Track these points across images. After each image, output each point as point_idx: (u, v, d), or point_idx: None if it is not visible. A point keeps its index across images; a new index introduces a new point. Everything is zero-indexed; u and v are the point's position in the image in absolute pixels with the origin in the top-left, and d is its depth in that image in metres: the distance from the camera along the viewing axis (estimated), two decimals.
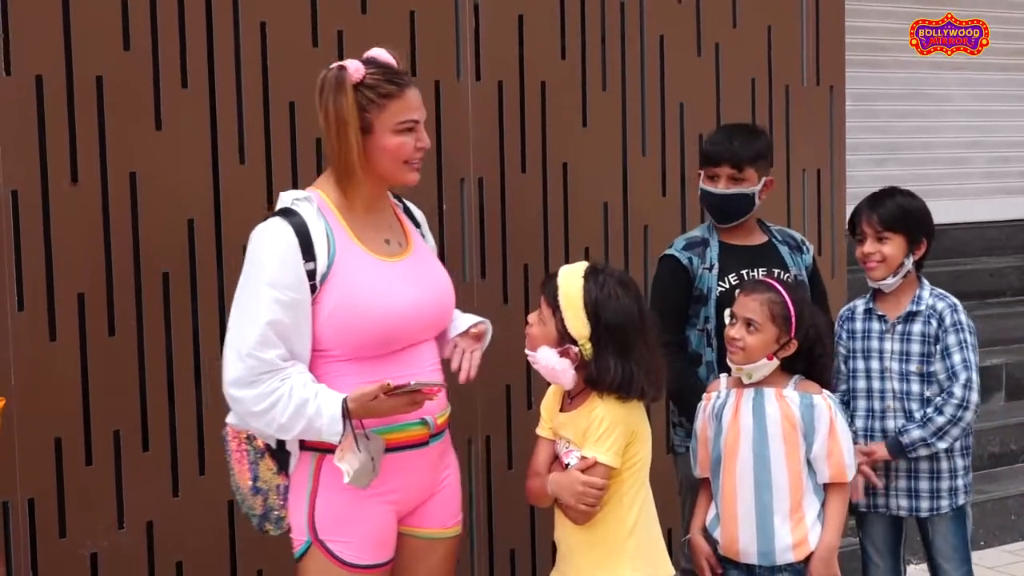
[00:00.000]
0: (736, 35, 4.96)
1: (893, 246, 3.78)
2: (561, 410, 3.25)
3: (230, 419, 3.02)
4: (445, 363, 3.23)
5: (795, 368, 3.49)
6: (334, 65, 2.99)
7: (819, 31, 5.16)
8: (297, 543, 3.00)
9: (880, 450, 3.77)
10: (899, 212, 3.80)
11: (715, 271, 3.82)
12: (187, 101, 3.91)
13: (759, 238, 3.95)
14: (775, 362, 3.44)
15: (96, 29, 3.78)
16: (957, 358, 3.73)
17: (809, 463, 3.44)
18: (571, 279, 3.16)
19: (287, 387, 2.84)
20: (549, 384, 3.30)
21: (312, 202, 2.97)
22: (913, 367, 3.79)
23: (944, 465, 3.80)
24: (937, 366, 3.75)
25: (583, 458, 3.14)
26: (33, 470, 3.74)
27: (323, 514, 2.95)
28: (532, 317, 3.23)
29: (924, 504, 3.81)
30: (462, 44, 4.37)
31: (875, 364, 3.85)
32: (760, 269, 3.83)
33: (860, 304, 3.94)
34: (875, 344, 3.86)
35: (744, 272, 3.82)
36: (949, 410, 3.69)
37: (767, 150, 3.90)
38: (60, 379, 3.77)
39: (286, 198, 3.00)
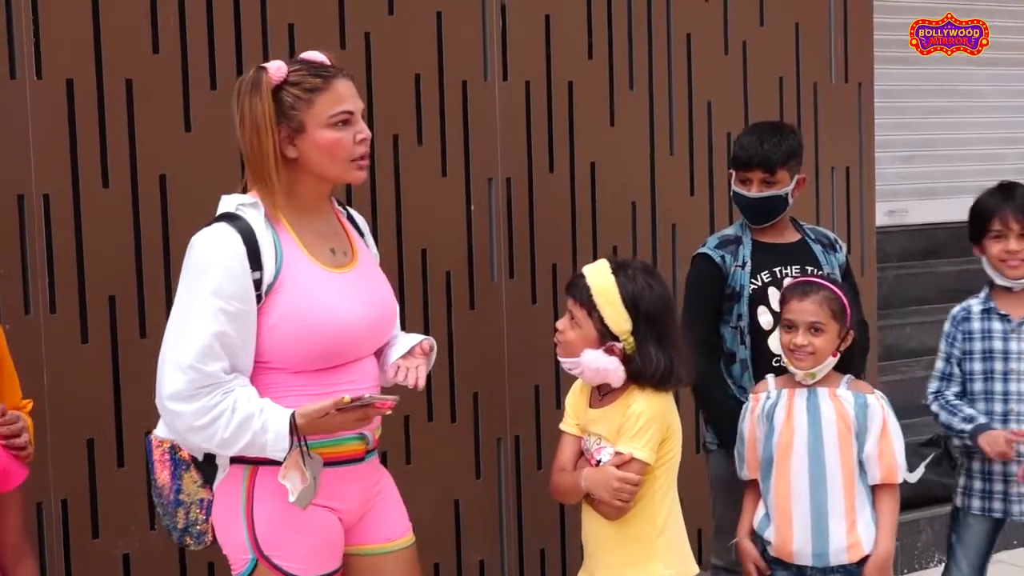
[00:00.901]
0: (763, 33, 4.95)
1: None
2: (590, 406, 3.25)
3: (160, 432, 2.88)
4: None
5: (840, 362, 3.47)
6: (255, 67, 2.85)
7: (847, 28, 5.14)
8: (240, 562, 2.83)
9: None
10: None
11: (748, 268, 3.81)
12: (216, 103, 3.92)
13: (792, 236, 3.93)
14: (836, 357, 3.43)
15: (125, 32, 3.80)
16: None
17: (860, 464, 3.41)
18: (601, 276, 3.15)
19: (230, 401, 2.69)
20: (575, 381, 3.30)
21: (259, 208, 2.81)
22: None
23: None
24: None
25: (618, 453, 3.13)
26: (66, 471, 3.77)
27: (264, 529, 2.80)
28: (562, 323, 3.20)
29: (1015, 509, 3.76)
30: (489, 44, 4.37)
31: (998, 366, 3.77)
32: (793, 267, 3.82)
33: (976, 304, 3.84)
34: (998, 345, 3.77)
35: (777, 270, 3.81)
36: None
37: (798, 148, 3.88)
38: (92, 381, 3.80)
39: (229, 202, 2.84)
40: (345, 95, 2.83)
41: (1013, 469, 3.74)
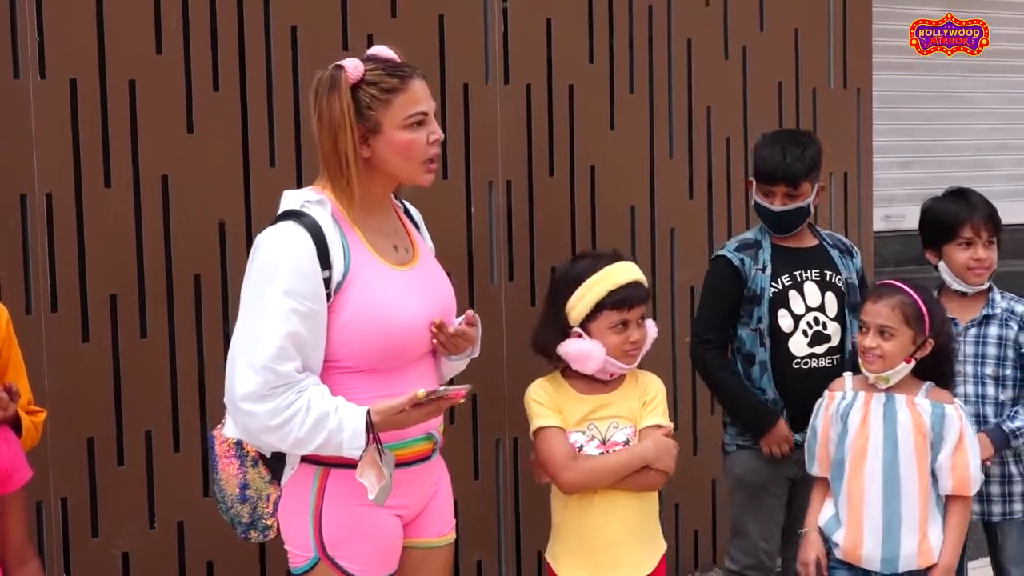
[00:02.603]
0: (763, 38, 4.97)
1: (995, 251, 3.78)
2: (587, 394, 3.32)
3: (229, 432, 2.87)
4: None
5: (922, 370, 3.45)
6: (332, 65, 2.82)
7: (846, 34, 5.16)
8: (300, 559, 2.84)
9: (984, 442, 3.65)
10: (999, 218, 3.80)
11: (768, 272, 3.83)
12: (219, 104, 3.94)
13: (810, 241, 3.96)
14: (911, 364, 3.41)
15: (129, 33, 3.81)
16: None
17: (933, 473, 3.41)
18: None
19: (304, 400, 2.69)
20: None
21: (325, 206, 2.80)
22: (989, 370, 3.75)
23: (1015, 470, 3.77)
24: None
25: (656, 426, 3.32)
26: (66, 470, 3.78)
27: (332, 530, 2.81)
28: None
29: (996, 508, 3.78)
30: (491, 47, 4.39)
31: None
32: (813, 271, 3.85)
33: None
34: None
35: (797, 274, 3.84)
36: None
37: (819, 157, 3.89)
38: (92, 380, 3.81)
39: (294, 199, 2.82)
40: (421, 96, 2.83)
41: None
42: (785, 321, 3.78)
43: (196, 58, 3.91)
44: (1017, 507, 3.78)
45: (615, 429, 3.29)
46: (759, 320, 3.82)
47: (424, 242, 3.08)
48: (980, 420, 3.75)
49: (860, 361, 3.45)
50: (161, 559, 3.93)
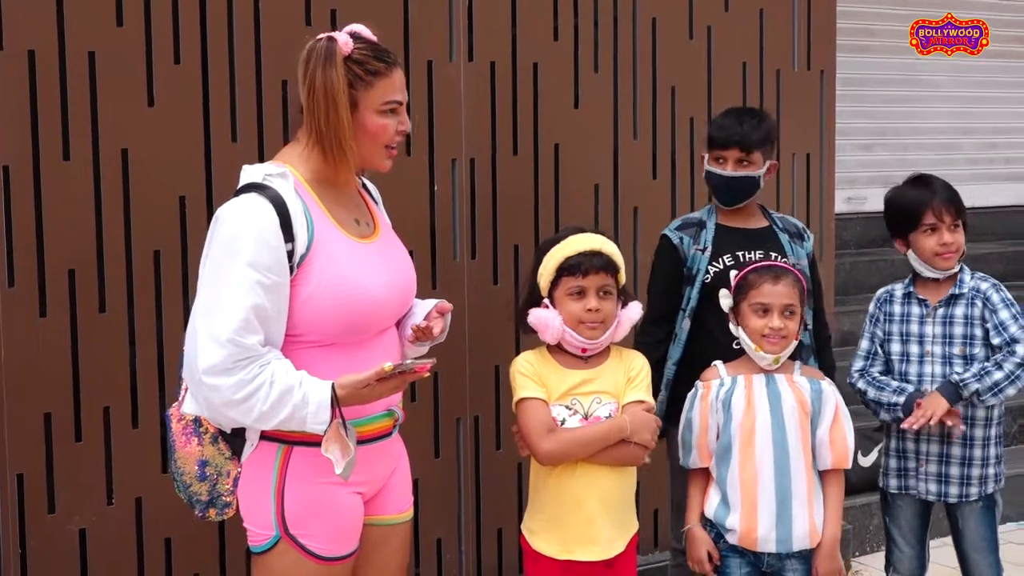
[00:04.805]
0: (728, 19, 4.97)
1: (961, 234, 3.81)
2: (570, 368, 3.35)
3: (189, 408, 2.85)
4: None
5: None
6: (322, 36, 2.82)
7: (810, 16, 5.17)
8: (261, 537, 2.84)
9: (937, 400, 3.69)
10: (961, 201, 3.83)
11: (707, 253, 3.84)
12: (180, 78, 3.90)
13: (759, 222, 3.96)
14: (797, 342, 3.48)
15: (89, 4, 3.76)
16: (1014, 328, 3.73)
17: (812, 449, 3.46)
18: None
19: (268, 373, 2.68)
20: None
21: (287, 178, 2.80)
22: (956, 350, 3.78)
23: (977, 453, 3.80)
24: (995, 341, 3.74)
25: (639, 402, 3.35)
26: (22, 446, 3.75)
27: (293, 508, 2.81)
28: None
29: (953, 490, 3.81)
30: (455, 24, 4.37)
31: (914, 348, 3.84)
32: (756, 251, 3.84)
33: (898, 288, 3.92)
34: (915, 328, 3.84)
35: (740, 253, 3.84)
36: (1008, 366, 3.68)
37: (773, 134, 3.95)
38: (50, 355, 3.77)
39: (255, 172, 2.81)
40: (399, 85, 2.89)
41: (922, 448, 3.81)
42: (726, 301, 3.76)
43: (157, 30, 3.86)
44: (974, 490, 3.80)
45: (598, 404, 3.32)
46: (688, 301, 3.83)
47: (383, 216, 3.10)
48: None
49: (754, 345, 3.44)
50: (119, 535, 3.91)
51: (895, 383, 3.83)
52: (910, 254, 3.85)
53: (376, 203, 3.11)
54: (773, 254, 3.82)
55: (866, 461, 4.14)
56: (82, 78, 3.77)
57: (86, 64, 3.77)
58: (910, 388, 3.79)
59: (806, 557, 3.44)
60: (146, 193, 3.88)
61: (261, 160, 3.95)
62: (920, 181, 3.91)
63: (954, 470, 3.80)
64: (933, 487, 3.82)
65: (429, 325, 3.01)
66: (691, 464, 3.55)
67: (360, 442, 2.79)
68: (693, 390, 3.57)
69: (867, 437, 4.99)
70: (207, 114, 3.96)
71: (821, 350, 3.98)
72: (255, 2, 4.01)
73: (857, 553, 5.32)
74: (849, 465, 3.48)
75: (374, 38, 2.90)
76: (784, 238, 3.94)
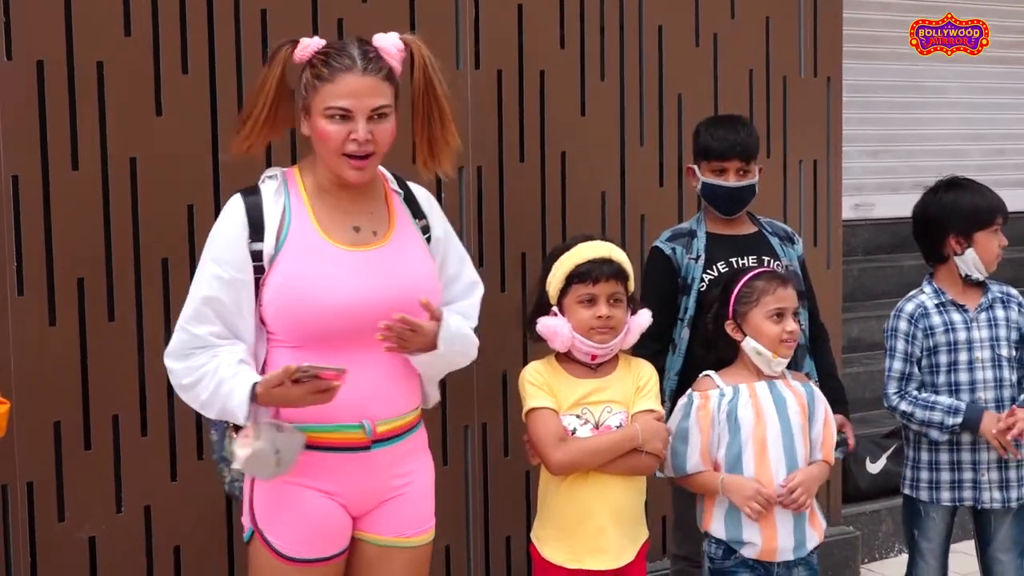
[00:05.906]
0: (734, 26, 4.97)
1: None
2: (580, 378, 3.35)
3: None
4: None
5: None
6: (287, 40, 2.94)
7: (817, 23, 5.17)
8: (245, 527, 2.95)
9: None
10: None
11: (701, 262, 3.84)
12: (188, 87, 3.92)
13: (748, 228, 3.98)
14: None
15: (97, 14, 3.78)
16: None
17: None
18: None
19: (213, 365, 2.77)
20: None
21: (276, 179, 2.92)
22: (1004, 351, 3.79)
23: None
24: None
25: (650, 411, 3.34)
26: (32, 454, 3.76)
27: (260, 503, 2.88)
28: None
29: (1013, 494, 3.79)
30: (462, 32, 4.38)
31: (963, 356, 3.81)
32: (750, 257, 3.85)
33: (927, 300, 3.86)
34: (961, 336, 3.81)
35: (733, 260, 3.84)
36: None
37: (758, 139, 4.00)
38: (59, 363, 3.78)
39: (264, 175, 2.98)
40: (344, 92, 2.82)
41: (981, 457, 3.79)
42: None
43: (165, 40, 3.88)
44: (1014, 493, 3.79)
45: (608, 413, 3.32)
46: (685, 310, 3.82)
47: (409, 225, 3.02)
48: (999, 405, 3.76)
49: (772, 351, 3.41)
50: (128, 544, 3.91)
51: (945, 400, 3.78)
52: (967, 256, 3.81)
53: (422, 215, 3.07)
54: (767, 259, 3.83)
55: (874, 468, 4.15)
56: (90, 87, 3.78)
57: (94, 73, 3.79)
58: (962, 404, 3.76)
59: (812, 564, 3.44)
60: (154, 202, 3.89)
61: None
62: (974, 184, 3.92)
63: (1012, 473, 3.80)
64: (997, 494, 3.80)
65: (403, 316, 2.87)
66: (691, 469, 3.46)
67: (328, 449, 2.83)
68: (686, 400, 3.50)
69: (875, 444, 4.99)
70: (215, 123, 3.97)
71: (820, 351, 3.98)
72: (262, 12, 4.02)
73: (866, 560, 5.31)
74: (833, 460, 3.53)
75: (354, 48, 2.87)
76: (775, 241, 3.95)
